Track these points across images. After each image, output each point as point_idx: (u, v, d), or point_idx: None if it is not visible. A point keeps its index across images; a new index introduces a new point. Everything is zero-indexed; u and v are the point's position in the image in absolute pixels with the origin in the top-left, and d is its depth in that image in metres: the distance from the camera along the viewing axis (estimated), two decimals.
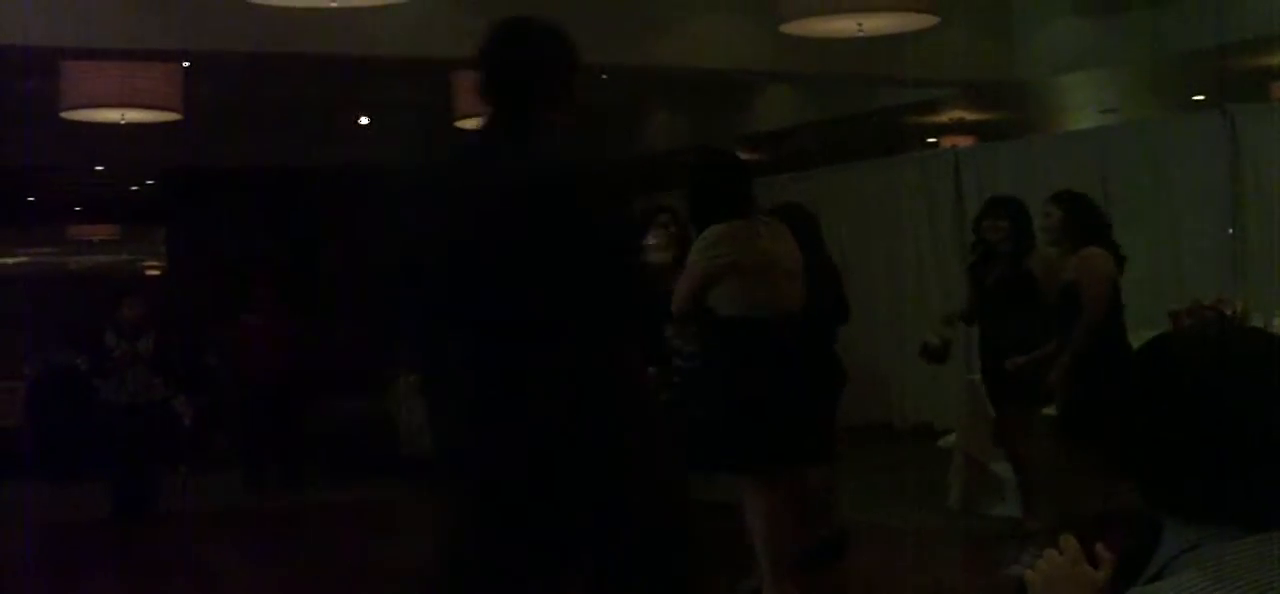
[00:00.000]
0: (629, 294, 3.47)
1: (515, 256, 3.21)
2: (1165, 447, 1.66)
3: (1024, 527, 6.90)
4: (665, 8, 9.75)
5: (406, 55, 9.28)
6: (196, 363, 12.39)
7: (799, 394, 5.42)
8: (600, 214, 3.31)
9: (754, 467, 5.36)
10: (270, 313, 11.76)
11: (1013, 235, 6.74)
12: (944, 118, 13.76)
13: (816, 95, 13.19)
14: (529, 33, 3.43)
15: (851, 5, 7.65)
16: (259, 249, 14.80)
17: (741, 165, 5.99)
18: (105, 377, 10.05)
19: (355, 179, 15.12)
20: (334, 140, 14.33)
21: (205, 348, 12.71)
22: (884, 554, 7.72)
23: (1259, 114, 9.82)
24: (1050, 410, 6.61)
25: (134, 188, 17.24)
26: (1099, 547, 1.77)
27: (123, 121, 9.47)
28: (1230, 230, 9.67)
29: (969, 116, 13.74)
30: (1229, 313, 7.67)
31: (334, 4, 7.36)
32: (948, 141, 13.86)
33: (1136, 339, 6.05)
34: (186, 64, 9.43)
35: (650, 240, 5.42)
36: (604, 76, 11.17)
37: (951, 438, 8.55)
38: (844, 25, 7.85)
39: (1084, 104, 12.73)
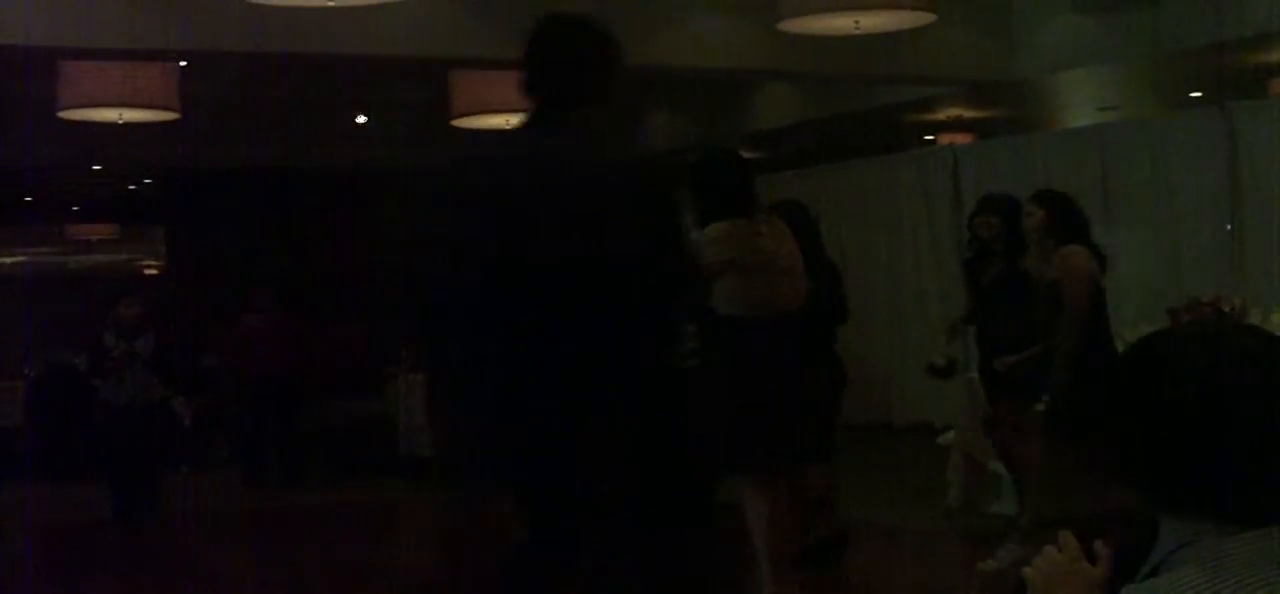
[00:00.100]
0: (681, 292, 3.47)
1: (569, 256, 3.19)
2: (1162, 443, 1.66)
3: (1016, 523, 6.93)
4: (665, 7, 9.75)
5: (405, 54, 9.27)
6: (196, 363, 12.40)
7: (799, 394, 5.42)
8: (652, 210, 3.30)
9: (754, 467, 5.36)
10: (269, 313, 11.75)
11: (1006, 233, 6.75)
12: (942, 115, 13.76)
13: (815, 93, 13.19)
14: (575, 29, 3.41)
15: (849, 3, 7.66)
16: (258, 249, 14.80)
17: (744, 163, 5.97)
18: (104, 377, 10.05)
19: (354, 178, 15.15)
20: (333, 140, 14.33)
21: (204, 348, 12.71)
22: (883, 553, 7.73)
23: (1257, 111, 9.82)
24: (1041, 407, 6.62)
25: (132, 187, 17.24)
26: (1098, 544, 1.77)
27: (120, 121, 9.47)
28: (1229, 227, 9.67)
29: (967, 114, 13.74)
30: (1227, 310, 7.67)
31: (331, 3, 7.36)
32: (946, 139, 13.86)
33: (1135, 336, 6.05)
34: (184, 63, 9.43)
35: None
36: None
37: (950, 436, 8.56)
38: (842, 23, 7.85)
39: (1082, 101, 12.73)
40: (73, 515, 10.40)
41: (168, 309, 12.62)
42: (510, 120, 10.32)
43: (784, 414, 5.33)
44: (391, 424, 12.63)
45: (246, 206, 15.12)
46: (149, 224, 17.41)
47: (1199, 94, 11.68)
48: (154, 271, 17.10)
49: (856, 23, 7.74)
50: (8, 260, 17.10)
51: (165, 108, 9.33)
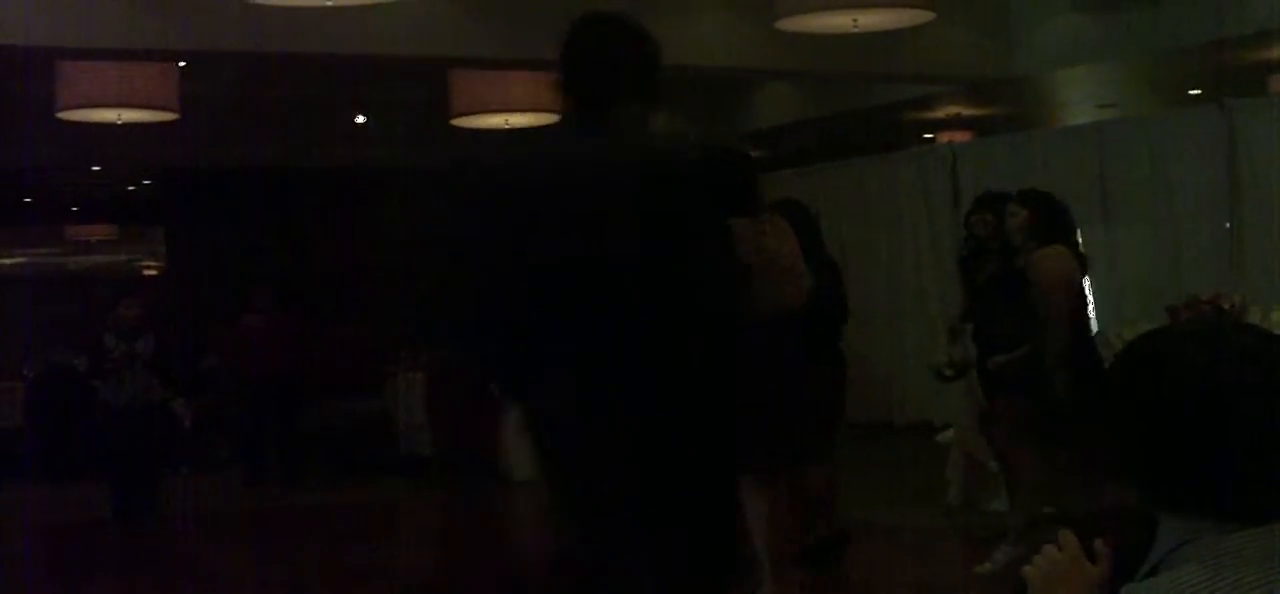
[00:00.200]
0: (730, 291, 3.47)
1: (622, 254, 3.20)
2: (1161, 441, 1.66)
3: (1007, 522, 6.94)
4: (664, 6, 9.75)
5: (404, 54, 9.27)
6: (195, 364, 12.40)
7: (800, 394, 5.41)
8: (698, 208, 3.30)
9: (754, 466, 5.36)
10: (269, 313, 11.75)
11: (1001, 231, 6.75)
12: (941, 113, 13.77)
13: (814, 92, 13.19)
14: (615, 29, 3.42)
15: (848, 2, 7.66)
16: (258, 249, 14.80)
17: (749, 162, 5.95)
18: (104, 378, 10.05)
19: (354, 178, 15.15)
20: (332, 140, 14.33)
21: (204, 348, 12.71)
22: (883, 552, 7.73)
23: (1257, 108, 9.82)
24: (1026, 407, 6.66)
25: (131, 188, 17.24)
26: (1097, 542, 1.77)
27: (119, 121, 9.47)
28: (1228, 225, 9.67)
29: (966, 112, 13.74)
30: (1227, 308, 7.67)
31: (331, 3, 7.36)
32: (945, 137, 13.86)
33: (1134, 334, 6.05)
34: (182, 63, 9.43)
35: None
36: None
37: (949, 434, 8.56)
38: (841, 21, 7.85)
39: (1082, 99, 12.74)
40: (72, 516, 10.40)
41: (167, 310, 12.62)
42: (510, 120, 10.34)
43: (785, 414, 5.32)
44: (391, 423, 12.63)
45: (246, 207, 15.11)
46: (148, 224, 17.41)
47: (1198, 92, 11.68)
48: (153, 272, 17.10)
49: (855, 21, 7.75)
50: (7, 261, 17.10)
51: (164, 108, 9.33)
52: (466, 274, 3.39)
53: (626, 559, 3.32)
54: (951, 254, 10.77)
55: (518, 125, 10.40)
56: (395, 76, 12.12)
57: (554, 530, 3.64)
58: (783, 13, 7.83)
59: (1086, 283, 10.54)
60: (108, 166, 15.45)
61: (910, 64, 10.29)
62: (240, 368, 11.74)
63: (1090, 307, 10.51)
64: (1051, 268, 6.28)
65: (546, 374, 3.28)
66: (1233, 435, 1.62)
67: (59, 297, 15.17)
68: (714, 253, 3.32)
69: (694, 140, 6.59)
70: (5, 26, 8.07)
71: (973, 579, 6.66)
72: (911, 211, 12.18)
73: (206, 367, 12.58)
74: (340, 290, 14.54)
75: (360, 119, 14.31)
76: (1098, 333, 9.38)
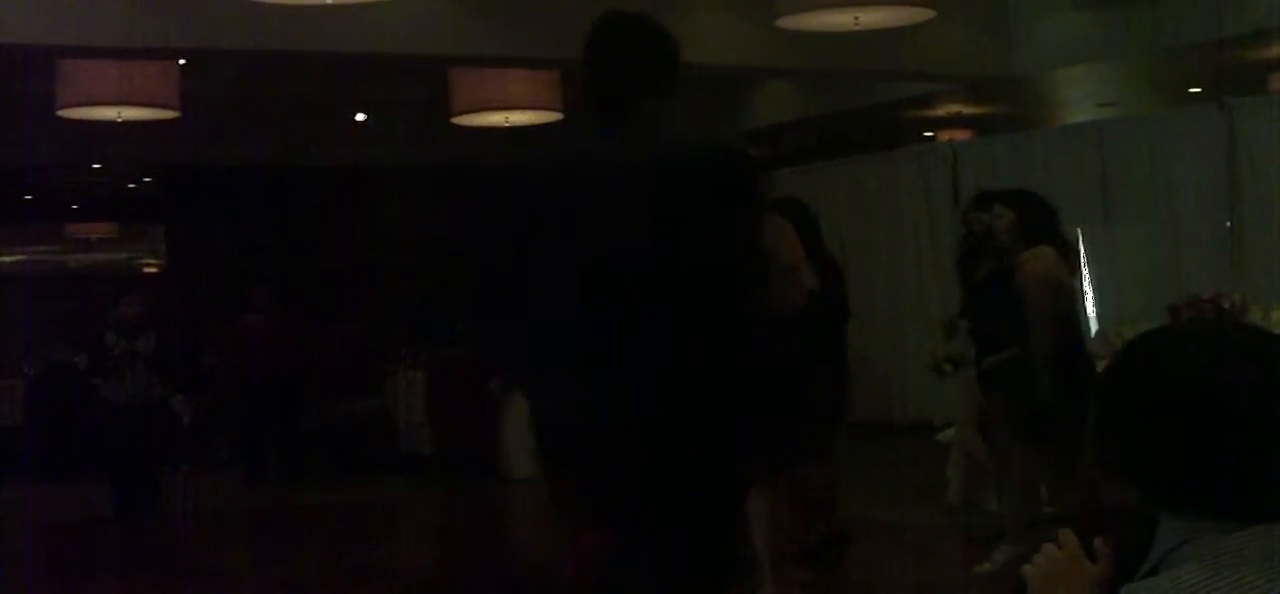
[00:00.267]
0: (757, 290, 3.48)
1: (653, 253, 3.21)
2: (1161, 441, 1.66)
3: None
4: (664, 4, 9.74)
5: (404, 52, 9.27)
6: (195, 362, 12.39)
7: (801, 394, 5.41)
8: (728, 207, 3.32)
9: (755, 467, 5.36)
10: (269, 312, 11.75)
11: (994, 231, 6.76)
12: (941, 112, 13.77)
13: (814, 90, 13.19)
14: (638, 28, 3.46)
15: (848, 0, 7.66)
16: (258, 247, 14.80)
17: (752, 161, 5.95)
18: (105, 376, 10.05)
19: (354, 177, 15.15)
20: (333, 138, 14.33)
21: (204, 347, 12.71)
22: (884, 551, 7.73)
23: (1257, 107, 9.82)
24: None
25: (132, 186, 17.23)
26: (1098, 541, 1.77)
27: (119, 119, 9.47)
28: (1228, 224, 9.67)
29: (966, 111, 13.74)
30: (1227, 306, 7.67)
31: (331, 1, 7.36)
32: (945, 136, 13.86)
33: (1135, 333, 6.05)
34: (183, 62, 9.43)
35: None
36: None
37: (950, 433, 8.56)
38: (841, 19, 7.85)
39: (1081, 98, 12.73)
40: (73, 514, 10.40)
41: (167, 308, 12.62)
42: (510, 118, 10.34)
43: (786, 415, 5.32)
44: (391, 422, 12.63)
45: (246, 205, 15.11)
46: (149, 222, 17.40)
47: (1198, 90, 11.68)
48: (153, 270, 17.09)
49: (856, 19, 7.74)
50: (7, 259, 17.09)
51: (165, 106, 9.32)
52: (483, 270, 3.40)
53: (626, 559, 3.33)
54: (952, 253, 10.76)
55: (518, 123, 10.40)
56: (395, 75, 12.12)
57: (564, 525, 3.64)
58: (783, 11, 7.82)
59: (1087, 282, 10.58)
60: (108, 164, 15.45)
61: (911, 62, 10.29)
62: (240, 367, 11.73)
63: (1091, 306, 10.58)
64: (1035, 268, 6.30)
65: (557, 372, 3.29)
66: (1232, 435, 1.62)
67: (59, 294, 15.17)
68: (742, 251, 3.34)
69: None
70: (5, 25, 8.07)
71: (973, 579, 6.67)
72: (912, 210, 12.19)
73: (206, 365, 12.58)
74: (340, 289, 14.55)
75: (361, 117, 14.31)
76: (1098, 332, 9.39)
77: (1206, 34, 9.66)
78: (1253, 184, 9.52)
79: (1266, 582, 1.58)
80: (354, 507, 10.84)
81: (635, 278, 3.21)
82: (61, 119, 9.50)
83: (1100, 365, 6.48)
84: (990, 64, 10.87)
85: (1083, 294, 10.53)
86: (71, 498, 10.85)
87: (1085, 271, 10.63)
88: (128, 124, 9.85)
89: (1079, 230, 10.69)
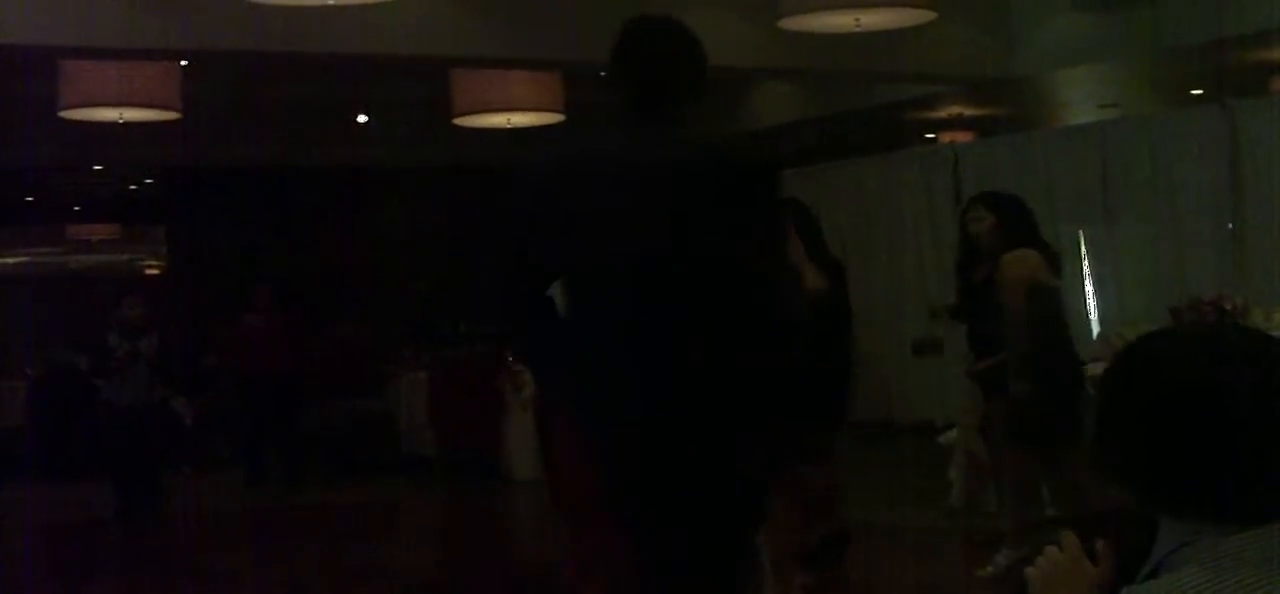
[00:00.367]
0: (785, 292, 3.51)
1: (690, 254, 3.24)
2: (1161, 443, 1.66)
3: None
4: (664, 5, 9.74)
5: (405, 53, 9.27)
6: (197, 363, 12.40)
7: (804, 395, 5.40)
8: (759, 207, 3.34)
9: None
10: (270, 312, 11.75)
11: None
12: (943, 113, 13.77)
13: (815, 91, 13.19)
14: (673, 32, 3.53)
15: (850, 1, 7.65)
16: (259, 248, 14.81)
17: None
18: (108, 377, 10.05)
19: (354, 178, 15.15)
20: (334, 139, 14.33)
21: (205, 348, 12.72)
22: (885, 552, 7.72)
23: (1258, 108, 9.81)
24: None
25: (133, 187, 17.25)
26: (1099, 543, 1.77)
27: (121, 120, 9.47)
28: (1230, 225, 9.66)
29: (968, 112, 13.74)
30: (1229, 308, 7.66)
31: (332, 2, 7.36)
32: (947, 137, 13.86)
33: (1136, 335, 6.04)
34: (185, 63, 9.43)
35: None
36: (603, 75, 11.15)
37: (951, 434, 8.55)
38: (842, 21, 7.85)
39: (1083, 99, 12.73)
40: (74, 515, 10.41)
41: (169, 309, 12.63)
42: (512, 119, 10.34)
43: (789, 415, 5.31)
44: (393, 423, 12.64)
45: (248, 206, 15.12)
46: (150, 224, 17.41)
47: (1200, 92, 11.67)
48: (155, 271, 17.10)
49: (857, 20, 7.74)
50: (9, 260, 17.10)
51: (166, 107, 9.33)
52: (514, 269, 3.43)
53: (647, 559, 3.34)
54: (953, 254, 10.76)
55: (520, 125, 10.40)
56: (397, 76, 12.12)
57: (565, 526, 3.64)
58: (785, 12, 7.82)
59: (1089, 284, 10.57)
60: (109, 166, 15.46)
61: (912, 64, 10.28)
62: (241, 367, 11.74)
63: (1092, 307, 10.57)
64: (1011, 271, 6.32)
65: (593, 372, 3.31)
66: (1233, 437, 1.61)
67: (61, 296, 15.18)
68: (773, 254, 3.37)
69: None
70: (6, 26, 8.07)
71: (974, 581, 6.67)
72: (913, 212, 12.18)
73: (207, 366, 12.59)
74: (341, 290, 14.55)
75: (362, 119, 14.32)
76: (1099, 334, 9.39)
77: (1208, 35, 9.66)
78: (1255, 186, 9.51)
79: (1267, 584, 1.58)
80: (355, 507, 10.84)
81: (673, 279, 3.24)
82: (63, 120, 9.50)
83: (1101, 367, 6.47)
84: (991, 65, 10.87)
85: (1084, 296, 10.53)
86: (73, 499, 10.87)
87: (1087, 273, 10.63)
88: (129, 125, 9.86)
89: (1081, 232, 10.70)
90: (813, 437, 5.56)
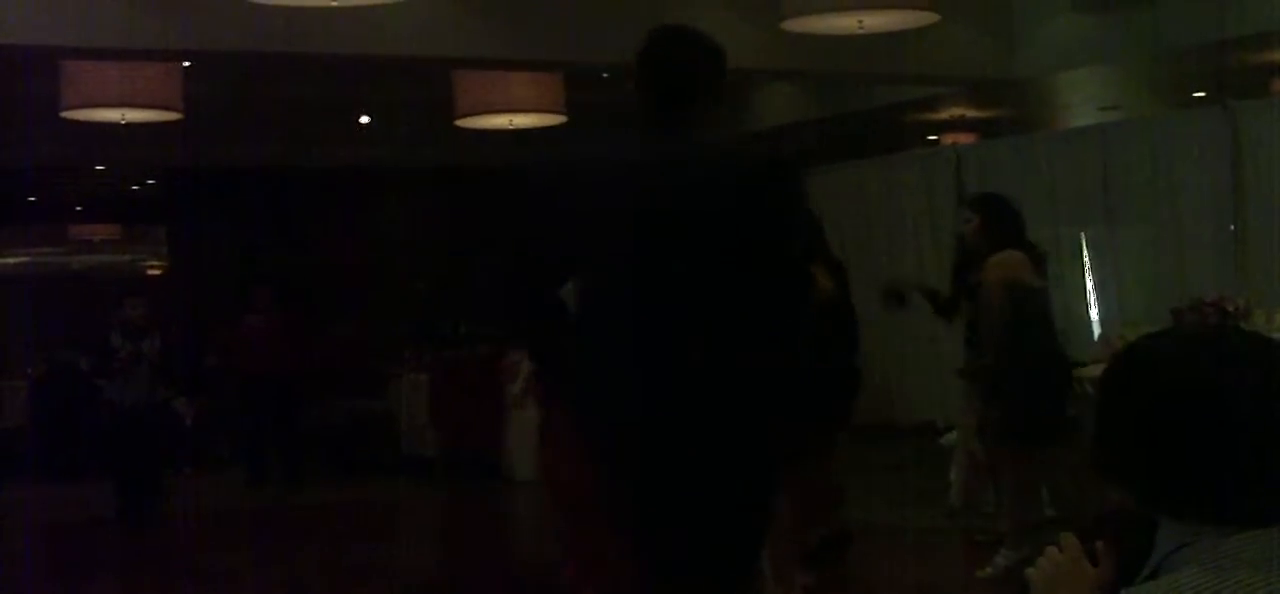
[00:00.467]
0: (804, 293, 3.55)
1: (707, 256, 3.27)
2: (1159, 445, 1.65)
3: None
4: (666, 6, 9.74)
5: (407, 54, 9.27)
6: (198, 363, 12.41)
7: (806, 395, 5.40)
8: (781, 211, 3.38)
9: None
10: (270, 312, 11.75)
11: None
12: (945, 115, 13.76)
13: (817, 93, 13.19)
14: (697, 39, 3.62)
15: (852, 3, 7.66)
16: (260, 249, 14.81)
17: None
18: (111, 377, 10.06)
19: (355, 178, 15.16)
20: (335, 140, 14.33)
21: (205, 348, 12.73)
22: (885, 553, 7.72)
23: (1260, 110, 9.80)
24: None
25: (135, 187, 17.26)
26: (1100, 544, 1.77)
27: (122, 121, 9.48)
28: (1232, 227, 9.65)
29: (970, 114, 13.74)
30: (1231, 310, 7.66)
31: (333, 3, 7.36)
32: (948, 139, 13.85)
33: (1137, 336, 6.03)
34: (186, 63, 9.43)
35: None
36: (605, 76, 11.17)
37: (952, 436, 8.55)
38: (845, 22, 7.85)
39: (1085, 101, 12.72)
40: (75, 515, 10.41)
41: (170, 309, 12.63)
42: (514, 120, 10.34)
43: (793, 416, 5.31)
44: (393, 423, 12.64)
45: (249, 206, 15.13)
46: (151, 224, 17.43)
47: (1201, 93, 11.67)
48: (156, 272, 17.11)
49: (859, 22, 7.75)
50: (10, 260, 17.12)
51: (167, 108, 9.33)
52: (532, 270, 3.46)
53: (636, 559, 3.34)
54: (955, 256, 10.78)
55: (522, 126, 10.40)
56: (398, 77, 12.12)
57: (565, 527, 3.65)
58: (788, 13, 7.82)
59: (1090, 285, 10.56)
60: (111, 166, 15.47)
61: (913, 65, 10.28)
62: (241, 368, 11.74)
63: (1093, 308, 10.57)
64: (994, 273, 6.35)
65: (611, 375, 3.32)
66: (1233, 439, 1.61)
67: (62, 296, 15.19)
68: (796, 258, 3.41)
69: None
70: (7, 26, 8.07)
71: (974, 581, 6.67)
72: (915, 213, 12.17)
73: (208, 366, 12.59)
74: (341, 290, 14.56)
75: (363, 119, 14.32)
76: (1100, 335, 9.39)
77: (1209, 37, 9.65)
78: (1256, 187, 9.50)
79: (1266, 584, 1.58)
80: (355, 507, 10.84)
81: (701, 281, 3.27)
82: (64, 120, 9.51)
83: (1102, 369, 6.46)
84: (993, 67, 10.87)
85: (1085, 297, 10.53)
86: (74, 499, 10.87)
87: (1088, 275, 10.62)
88: (130, 125, 9.86)
89: (1082, 233, 10.69)
90: (815, 436, 5.56)
